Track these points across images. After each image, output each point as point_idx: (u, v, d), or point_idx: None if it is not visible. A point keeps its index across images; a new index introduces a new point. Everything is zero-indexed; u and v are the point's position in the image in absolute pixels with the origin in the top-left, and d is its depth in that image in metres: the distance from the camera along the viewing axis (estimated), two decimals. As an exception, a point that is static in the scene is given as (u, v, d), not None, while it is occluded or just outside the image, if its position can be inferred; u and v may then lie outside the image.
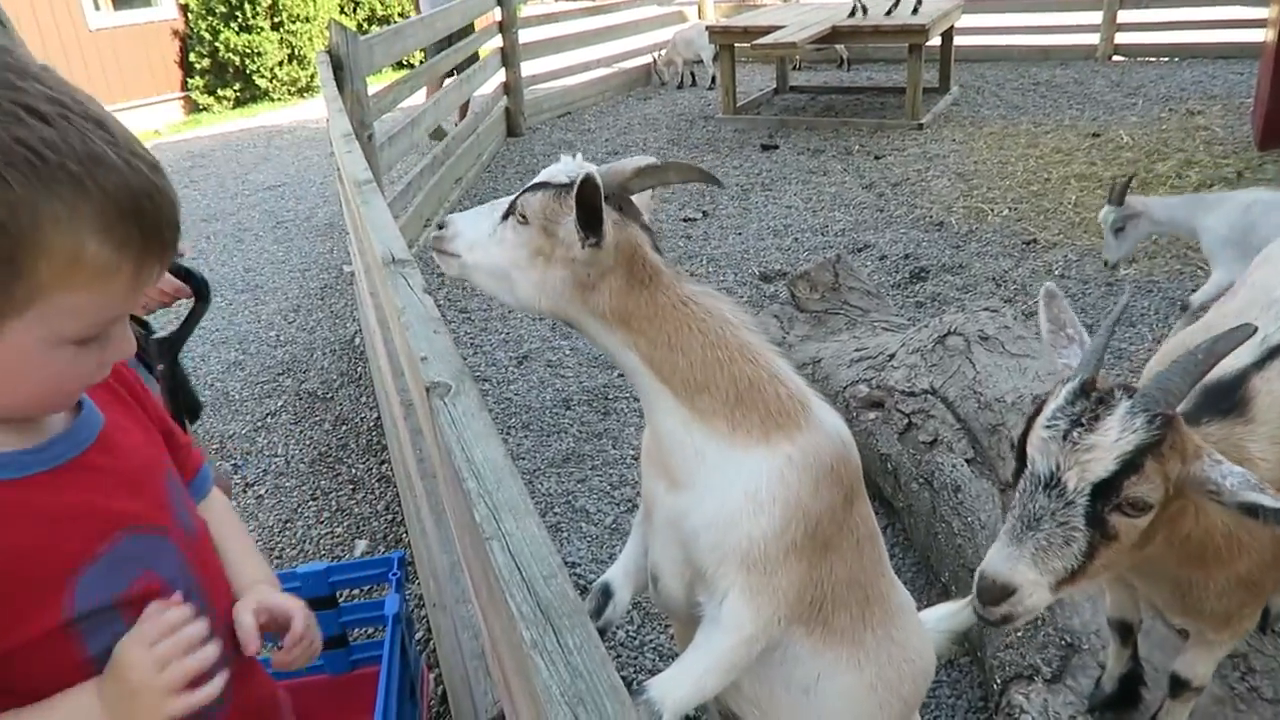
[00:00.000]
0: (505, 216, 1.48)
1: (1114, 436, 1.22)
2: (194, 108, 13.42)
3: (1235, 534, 1.43)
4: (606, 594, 1.60)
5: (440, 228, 1.56)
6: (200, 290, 1.97)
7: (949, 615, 2.06)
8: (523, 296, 1.46)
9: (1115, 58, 10.86)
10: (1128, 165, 6.66)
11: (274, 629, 1.27)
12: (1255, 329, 1.37)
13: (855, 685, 1.53)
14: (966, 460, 2.82)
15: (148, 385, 1.27)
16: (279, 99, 13.76)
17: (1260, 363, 1.54)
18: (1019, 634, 2.23)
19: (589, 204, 1.33)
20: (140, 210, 0.90)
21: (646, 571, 1.59)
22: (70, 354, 0.93)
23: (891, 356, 3.36)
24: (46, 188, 0.83)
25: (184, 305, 2.13)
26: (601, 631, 1.54)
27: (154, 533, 1.09)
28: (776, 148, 8.29)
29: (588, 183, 1.31)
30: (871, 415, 3.26)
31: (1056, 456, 1.24)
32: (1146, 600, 1.78)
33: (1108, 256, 4.37)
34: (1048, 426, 1.27)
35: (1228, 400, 1.49)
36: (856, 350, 3.54)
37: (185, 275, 1.83)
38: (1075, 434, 1.24)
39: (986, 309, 3.34)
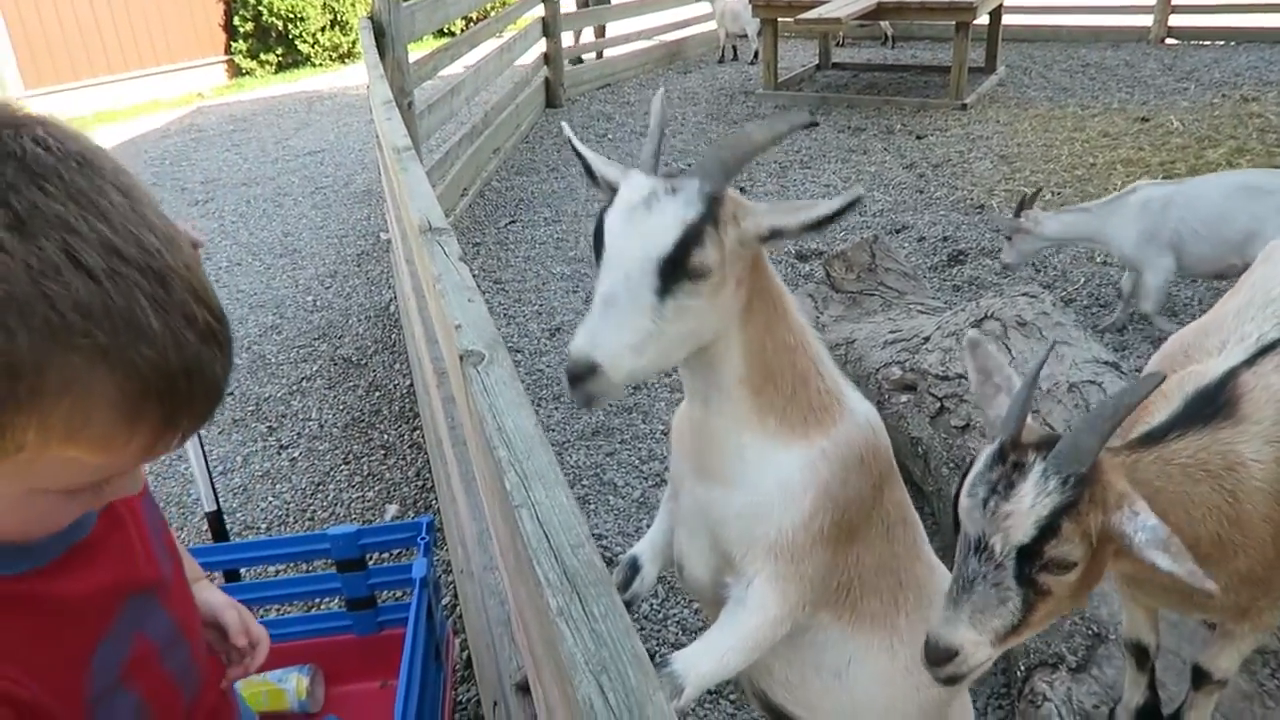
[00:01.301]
0: (664, 293, 1.21)
1: (1029, 503, 1.24)
2: (237, 71, 13.53)
3: (1226, 537, 1.43)
4: (635, 568, 1.60)
5: (586, 376, 1.18)
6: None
7: None
8: (707, 335, 1.29)
9: (1168, 40, 10.60)
10: (1176, 151, 6.52)
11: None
12: (1165, 377, 1.37)
13: (889, 669, 1.53)
14: (998, 446, 2.80)
15: None
16: (320, 64, 13.82)
17: (1251, 360, 1.51)
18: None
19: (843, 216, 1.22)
20: (173, 390, 0.76)
21: (672, 550, 1.59)
22: (60, 500, 0.82)
23: (926, 339, 3.33)
24: (62, 353, 0.70)
25: None
26: (628, 605, 1.55)
27: (146, 592, 1.03)
28: (817, 125, 8.16)
29: (859, 200, 1.21)
30: (904, 398, 3.23)
31: (981, 523, 1.27)
32: (1154, 605, 1.76)
33: (1003, 259, 4.55)
34: (969, 494, 1.30)
35: (1211, 405, 1.47)
36: (891, 332, 3.51)
37: None
38: (993, 502, 1.27)
39: (1025, 294, 3.30)
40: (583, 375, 1.18)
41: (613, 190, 1.30)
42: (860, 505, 1.40)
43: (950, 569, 1.68)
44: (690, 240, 1.20)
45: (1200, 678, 1.72)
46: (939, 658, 1.28)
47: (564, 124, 1.53)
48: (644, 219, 1.23)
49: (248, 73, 13.46)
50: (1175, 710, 1.87)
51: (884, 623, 1.51)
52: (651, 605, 2.87)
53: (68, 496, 0.82)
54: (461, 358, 1.29)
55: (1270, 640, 1.97)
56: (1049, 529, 1.23)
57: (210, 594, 1.31)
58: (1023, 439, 1.30)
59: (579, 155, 1.44)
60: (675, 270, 1.20)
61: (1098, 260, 5.06)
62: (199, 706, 1.14)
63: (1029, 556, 1.25)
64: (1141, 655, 1.85)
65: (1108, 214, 4.20)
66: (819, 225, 1.25)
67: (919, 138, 7.60)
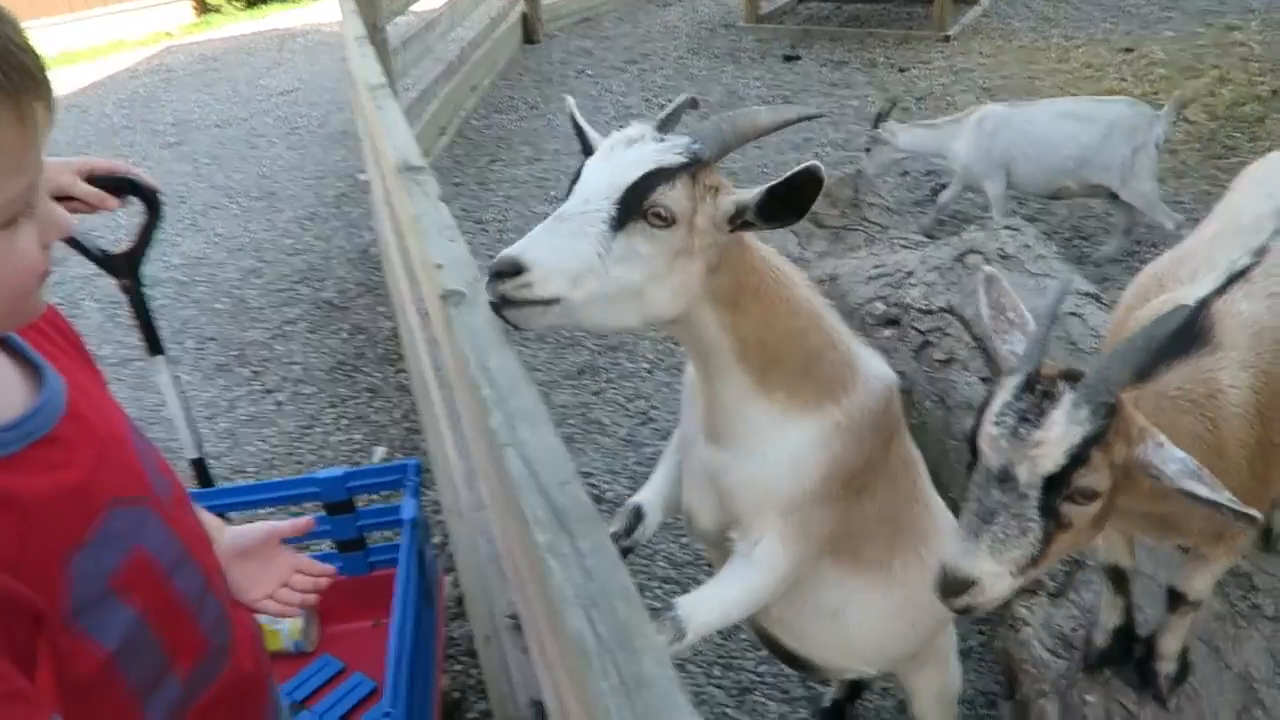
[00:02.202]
0: (618, 226, 1.16)
1: (1060, 430, 1.23)
2: (204, 8, 13.14)
3: (1209, 465, 1.43)
4: (638, 515, 1.61)
5: (511, 274, 1.13)
6: (150, 201, 1.94)
7: None
8: (655, 310, 1.23)
9: (1154, -33, 10.44)
10: (1160, 82, 6.47)
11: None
12: (1191, 310, 1.37)
13: (884, 607, 1.57)
14: (982, 379, 2.82)
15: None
16: (291, 0, 13.45)
17: (1221, 289, 1.51)
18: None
19: (806, 196, 1.16)
20: None
21: (676, 499, 1.60)
22: (2, 242, 0.83)
23: (910, 274, 3.33)
24: None
25: (134, 219, 2.10)
26: (628, 550, 1.57)
27: (137, 505, 1.01)
28: (799, 58, 8.08)
29: (814, 175, 1.13)
30: (887, 333, 3.25)
31: (1007, 453, 1.26)
32: (1131, 532, 1.79)
33: (863, 168, 4.54)
34: (996, 423, 1.28)
35: (1185, 337, 1.47)
36: (874, 267, 3.51)
37: (131, 187, 1.76)
38: (1022, 430, 1.25)
39: (1007, 227, 3.30)
40: (503, 273, 1.13)
41: None
42: (870, 466, 1.42)
43: (929, 501, 1.71)
44: (659, 177, 1.16)
45: (1175, 600, 1.77)
46: (956, 588, 1.26)
47: (568, 98, 1.46)
48: (622, 154, 1.20)
49: (215, 9, 13.07)
50: (1150, 633, 1.92)
51: (881, 565, 1.54)
52: (639, 541, 2.90)
53: (9, 234, 0.82)
54: (443, 298, 1.28)
55: (1241, 562, 2.02)
56: (1079, 457, 1.22)
57: (242, 528, 1.32)
58: (1044, 371, 1.30)
59: (582, 133, 1.39)
60: (635, 202, 1.16)
61: (1080, 192, 5.05)
62: (233, 669, 1.15)
63: (1055, 486, 1.24)
64: (1119, 579, 1.89)
65: (950, 132, 4.50)
66: (781, 207, 1.19)
67: (902, 70, 7.51)
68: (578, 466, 1.08)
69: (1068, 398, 1.25)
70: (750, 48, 8.60)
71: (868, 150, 4.75)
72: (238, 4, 13.15)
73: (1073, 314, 2.79)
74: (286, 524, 1.39)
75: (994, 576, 1.26)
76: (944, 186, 5.24)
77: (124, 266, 2.10)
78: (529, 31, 9.44)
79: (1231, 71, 6.53)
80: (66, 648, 0.91)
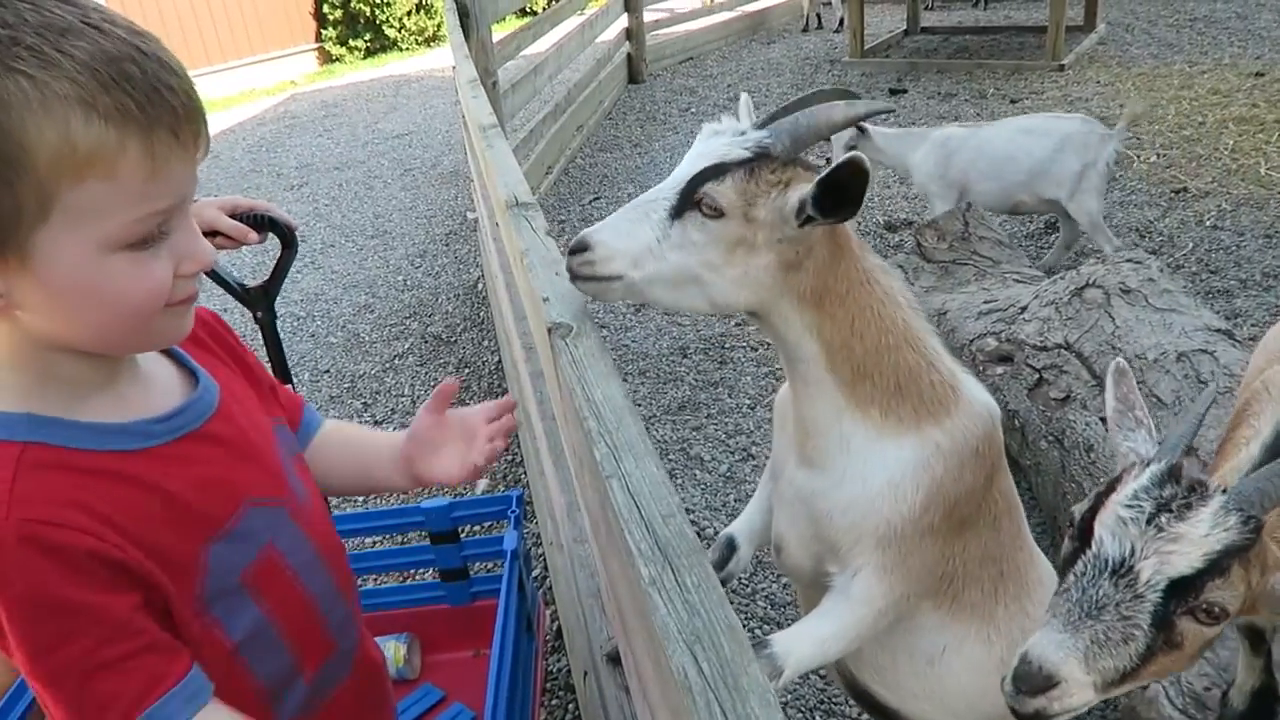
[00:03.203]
0: (676, 215, 1.23)
1: (1204, 531, 1.08)
2: (327, 58, 13.85)
3: None
4: (731, 547, 1.59)
5: (579, 250, 1.26)
6: (286, 237, 2.03)
7: None
8: (720, 297, 1.26)
9: (1286, -11, 9.96)
10: (1295, 107, 6.14)
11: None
12: None
13: (984, 659, 1.48)
14: (1101, 418, 2.69)
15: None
16: (407, 49, 14.05)
17: None
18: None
19: (854, 187, 1.15)
20: (127, 76, 0.80)
21: (769, 530, 1.57)
22: (129, 262, 0.85)
23: (1023, 309, 3.22)
24: (5, 68, 0.76)
25: (273, 255, 2.20)
26: (723, 583, 1.54)
27: (274, 504, 1.07)
28: (905, 91, 7.97)
29: (857, 165, 1.12)
30: (999, 370, 3.14)
31: (1134, 541, 1.11)
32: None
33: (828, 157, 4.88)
34: (1129, 505, 1.14)
35: None
36: (985, 302, 3.41)
37: (269, 224, 1.87)
38: (1162, 519, 1.11)
39: (1130, 260, 3.16)
40: (575, 249, 1.26)
41: None
42: (971, 497, 1.36)
43: (1050, 540, 1.60)
44: (714, 171, 1.22)
45: None
46: (1037, 686, 1.10)
47: (743, 95, 1.49)
48: (700, 145, 1.27)
49: (338, 59, 13.77)
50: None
51: (982, 612, 1.47)
52: (740, 580, 2.86)
53: (137, 257, 0.86)
54: (550, 330, 1.30)
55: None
56: (1218, 565, 1.08)
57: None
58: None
59: None
60: (691, 193, 1.22)
61: (1207, 225, 4.81)
62: (359, 671, 1.20)
63: (1179, 593, 1.09)
64: (1256, 638, 1.76)
65: (914, 144, 4.59)
66: (834, 200, 1.16)
67: (1013, 101, 7.33)
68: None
69: (1218, 499, 1.11)
70: (855, 82, 8.54)
71: (852, 147, 4.68)
72: (358, 53, 13.81)
73: (1203, 350, 2.64)
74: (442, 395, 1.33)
75: (1079, 684, 1.09)
76: (1059, 222, 5.06)
77: (260, 299, 2.20)
78: (634, 72, 9.61)
79: (1375, 95, 6.15)
80: (196, 635, 0.96)
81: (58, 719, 0.89)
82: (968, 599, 1.45)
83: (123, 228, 0.84)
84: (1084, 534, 1.17)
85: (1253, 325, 3.79)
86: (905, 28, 10.30)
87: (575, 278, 1.28)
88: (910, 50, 9.65)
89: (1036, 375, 2.96)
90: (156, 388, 1.00)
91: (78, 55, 0.78)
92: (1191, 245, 4.64)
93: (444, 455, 1.28)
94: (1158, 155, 5.78)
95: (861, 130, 4.64)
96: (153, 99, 0.82)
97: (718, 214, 1.21)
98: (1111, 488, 1.20)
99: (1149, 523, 1.11)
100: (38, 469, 0.87)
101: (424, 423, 1.29)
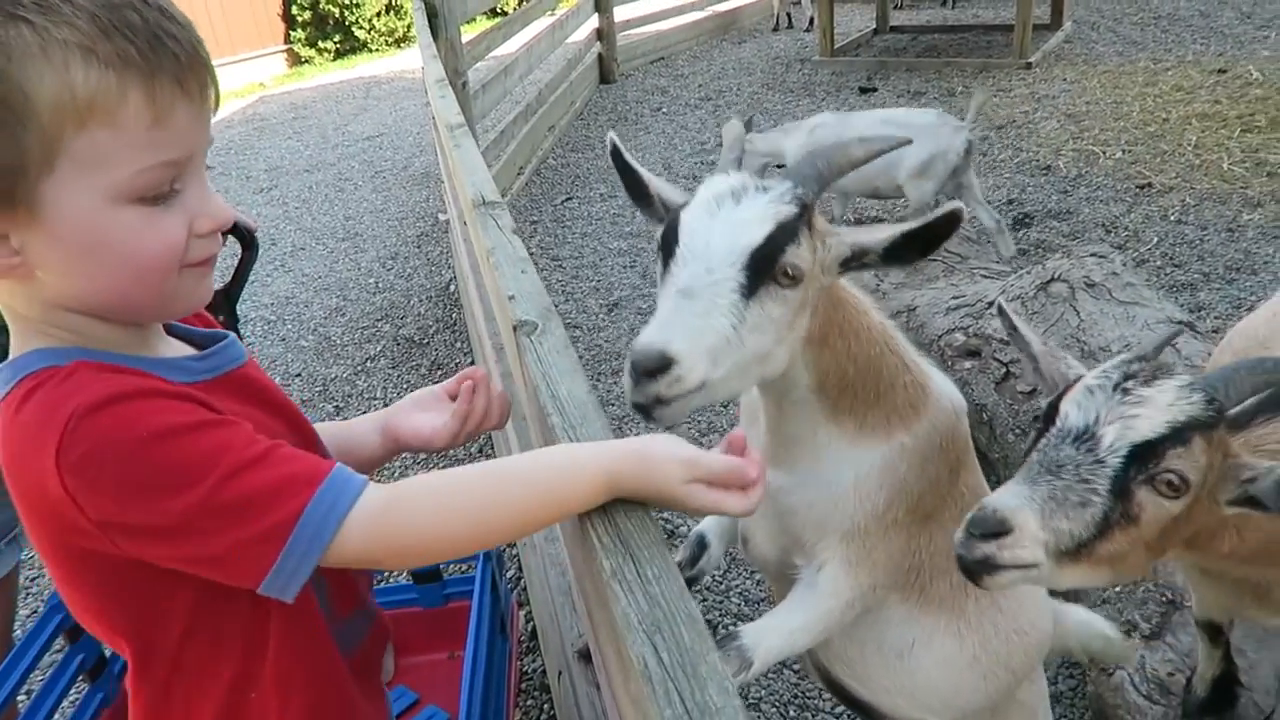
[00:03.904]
0: (749, 292, 1.08)
1: (1169, 399, 1.10)
2: (296, 60, 13.74)
3: None
4: (702, 545, 1.59)
5: (660, 370, 1.02)
6: (246, 240, 2.01)
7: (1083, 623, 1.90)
8: (775, 367, 1.16)
9: (1246, -13, 10.13)
10: (1256, 103, 6.24)
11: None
12: None
13: (954, 654, 1.49)
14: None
15: None
16: (376, 50, 13.97)
17: None
18: (1117, 589, 2.16)
19: (942, 234, 1.09)
20: (128, 22, 0.80)
21: (737, 528, 1.58)
22: (139, 216, 0.85)
23: (990, 304, 3.25)
24: (7, 16, 0.76)
25: (233, 258, 2.18)
26: (694, 580, 1.55)
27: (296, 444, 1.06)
28: (875, 90, 8.03)
29: (958, 216, 1.07)
30: (967, 364, 3.17)
31: (1098, 408, 1.11)
32: (1225, 606, 1.68)
33: None
34: (1097, 377, 1.15)
35: None
36: (954, 298, 3.44)
37: (230, 227, 1.85)
38: (1129, 384, 1.12)
39: (1094, 254, 3.20)
40: (653, 370, 1.02)
41: (667, 210, 1.22)
42: (936, 489, 1.37)
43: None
44: (785, 236, 1.09)
45: None
46: (989, 528, 1.07)
47: (611, 135, 1.34)
48: (732, 210, 1.11)
49: (307, 61, 13.67)
50: (1266, 717, 1.81)
51: (951, 606, 1.48)
52: (714, 577, 2.87)
53: (149, 212, 0.86)
54: (515, 328, 1.30)
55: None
56: (1180, 434, 1.07)
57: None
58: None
59: (628, 171, 1.31)
60: (766, 267, 1.08)
61: (1171, 219, 4.88)
62: (377, 629, 1.21)
63: (1141, 461, 1.08)
64: (1214, 631, 1.79)
65: (786, 136, 4.97)
66: (910, 247, 1.12)
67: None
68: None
69: (1184, 376, 1.13)
70: (825, 81, 8.59)
71: (702, 162, 5.10)
72: (327, 55, 13.72)
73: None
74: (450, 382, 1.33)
75: (1030, 538, 1.06)
76: (1027, 216, 5.12)
77: (221, 304, 2.18)
78: (605, 72, 9.61)
79: (1333, 91, 6.26)
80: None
81: (216, 568, 0.85)
82: (935, 592, 1.46)
83: (131, 178, 0.83)
84: (1049, 416, 1.17)
85: (1215, 318, 3.85)
86: (875, 27, 10.38)
87: (659, 403, 1.05)
88: (880, 49, 9.72)
89: (1004, 369, 3.00)
90: (185, 353, 1.02)
91: (79, 2, 0.78)
92: (1156, 240, 4.71)
93: (423, 417, 1.26)
94: (1123, 151, 5.85)
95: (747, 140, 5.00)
96: (154, 46, 0.82)
97: (795, 281, 1.10)
98: (1076, 381, 1.20)
99: (1115, 388, 1.12)
100: (93, 370, 0.86)
101: (419, 393, 1.29)
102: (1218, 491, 1.15)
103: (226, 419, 0.88)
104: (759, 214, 1.09)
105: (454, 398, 1.25)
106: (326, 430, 1.28)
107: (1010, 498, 1.09)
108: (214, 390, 0.96)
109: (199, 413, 0.87)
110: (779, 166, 5.10)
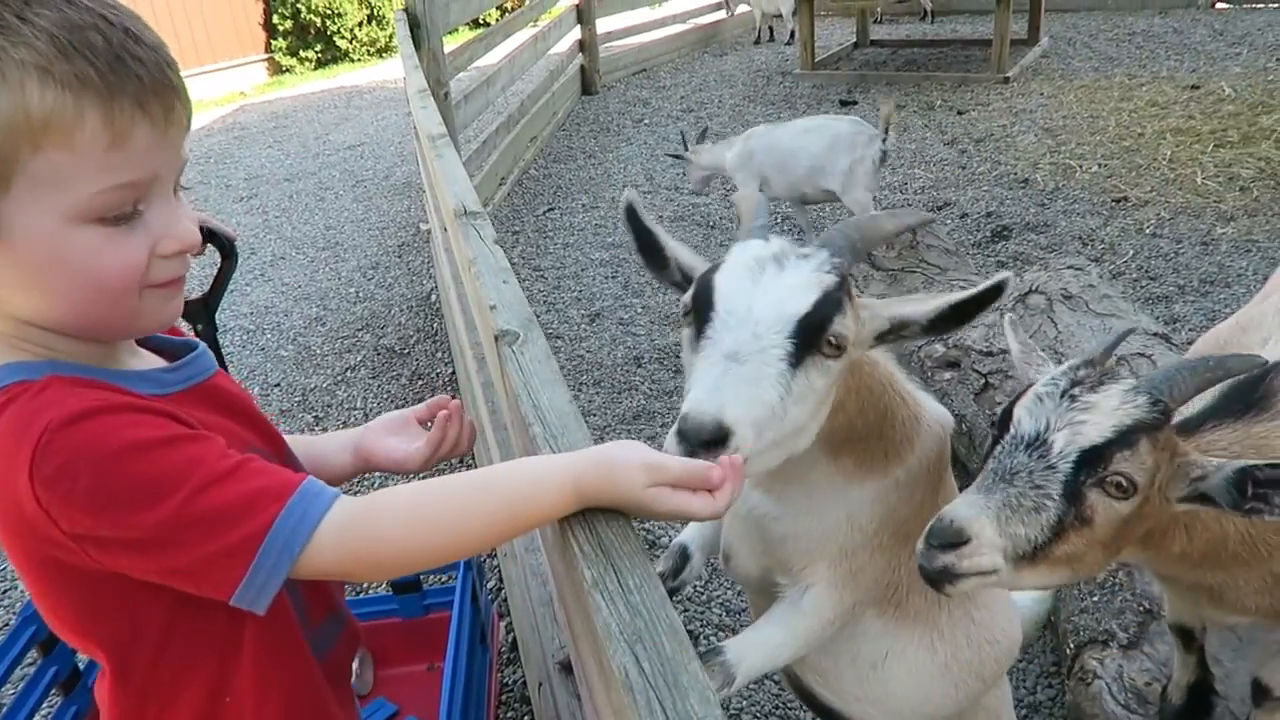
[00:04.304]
0: (796, 362, 1.05)
1: (1115, 404, 1.12)
2: (277, 69, 13.70)
3: (1257, 536, 1.33)
4: (684, 556, 1.59)
5: (720, 441, 0.98)
6: (225, 248, 2.01)
7: (1034, 601, 1.96)
8: (806, 440, 1.14)
9: (1219, 4, 10.30)
10: (1229, 119, 6.33)
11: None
12: (1265, 361, 1.26)
13: (927, 665, 1.50)
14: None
15: None
16: (358, 59, 13.95)
17: None
18: (1095, 599, 2.18)
19: (986, 304, 1.10)
20: (89, 44, 0.80)
21: (720, 538, 1.58)
22: (99, 236, 0.84)
23: (969, 316, 3.28)
24: None
25: (214, 266, 2.17)
26: (675, 591, 1.55)
27: (268, 455, 1.04)
28: (855, 103, 8.09)
29: (1004, 287, 1.08)
30: (947, 375, 3.19)
31: (1049, 415, 1.14)
32: (1189, 607, 1.69)
33: (689, 188, 5.78)
34: (1045, 385, 1.18)
35: (1248, 399, 1.38)
36: (933, 309, 3.47)
37: (208, 235, 1.83)
38: (1076, 390, 1.15)
39: (1071, 266, 3.24)
40: (710, 443, 0.97)
41: (686, 278, 1.20)
42: (918, 513, 1.38)
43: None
44: (830, 305, 1.06)
45: (1260, 694, 1.64)
46: (947, 538, 1.10)
47: (629, 193, 1.26)
48: (776, 275, 1.08)
49: (288, 70, 13.62)
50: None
51: (926, 619, 1.49)
52: (695, 588, 2.87)
53: (110, 233, 0.85)
54: (497, 338, 1.30)
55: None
56: (1126, 437, 1.10)
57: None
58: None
59: (645, 233, 1.25)
60: (814, 336, 1.05)
61: (1146, 232, 4.94)
62: (347, 636, 1.20)
63: (1090, 465, 1.11)
64: (1187, 637, 1.81)
65: (727, 148, 5.19)
66: (953, 317, 1.13)
67: (960, 113, 7.47)
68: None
69: (1129, 381, 1.16)
70: (806, 94, 8.65)
71: (683, 173, 5.27)
72: (308, 64, 13.68)
73: (1141, 354, 2.71)
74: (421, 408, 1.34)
75: (989, 545, 1.09)
76: (1005, 229, 5.17)
77: (200, 312, 2.16)
78: (587, 83, 9.63)
79: (1304, 107, 6.37)
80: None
81: (187, 580, 0.85)
82: (911, 606, 1.47)
83: (89, 199, 0.83)
84: (1004, 423, 1.21)
85: (1190, 330, 3.90)
86: (855, 41, 10.47)
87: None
88: (860, 63, 9.80)
89: (983, 380, 3.02)
90: (156, 365, 1.02)
91: (39, 23, 0.78)
92: (1132, 252, 4.76)
93: (396, 441, 1.27)
94: (1099, 165, 5.92)
95: (680, 157, 5.48)
96: (115, 67, 0.81)
97: (839, 352, 1.08)
98: (1030, 386, 1.24)
99: (1064, 395, 1.15)
100: (66, 384, 0.87)
101: (389, 415, 1.29)
102: (1168, 489, 1.17)
103: (199, 433, 0.89)
104: (805, 281, 1.07)
105: (423, 423, 1.27)
106: (297, 444, 1.29)
107: (966, 508, 1.12)
108: (185, 402, 0.96)
109: (171, 427, 0.87)
110: (719, 179, 5.40)
